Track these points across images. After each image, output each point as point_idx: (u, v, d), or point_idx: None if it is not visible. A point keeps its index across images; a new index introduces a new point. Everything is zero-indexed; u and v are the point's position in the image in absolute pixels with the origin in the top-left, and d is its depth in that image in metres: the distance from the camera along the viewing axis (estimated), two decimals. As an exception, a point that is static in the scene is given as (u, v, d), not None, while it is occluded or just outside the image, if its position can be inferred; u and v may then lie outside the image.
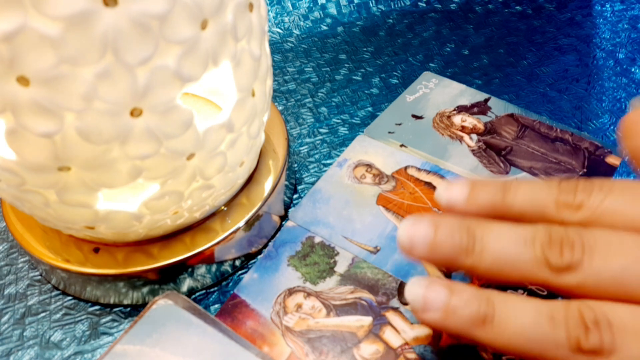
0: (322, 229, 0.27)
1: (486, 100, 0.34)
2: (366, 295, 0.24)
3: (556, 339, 0.17)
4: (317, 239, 0.27)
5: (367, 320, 0.23)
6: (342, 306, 0.24)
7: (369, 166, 0.30)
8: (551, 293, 0.21)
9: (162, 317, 0.21)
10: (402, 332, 0.23)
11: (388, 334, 0.23)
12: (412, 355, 0.22)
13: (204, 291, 0.26)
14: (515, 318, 0.18)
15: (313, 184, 0.30)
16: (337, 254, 0.26)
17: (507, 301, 0.18)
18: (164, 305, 0.21)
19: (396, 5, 0.42)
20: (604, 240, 0.18)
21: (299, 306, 0.24)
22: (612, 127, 0.32)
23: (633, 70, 0.36)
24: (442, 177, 0.29)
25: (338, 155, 0.32)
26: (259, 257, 0.27)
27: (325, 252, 0.26)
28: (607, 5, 0.42)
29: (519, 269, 0.19)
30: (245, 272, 0.26)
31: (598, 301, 0.18)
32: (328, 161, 0.31)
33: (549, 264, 0.18)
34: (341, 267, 0.25)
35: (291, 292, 0.25)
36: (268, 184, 0.27)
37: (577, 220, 0.19)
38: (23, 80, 0.15)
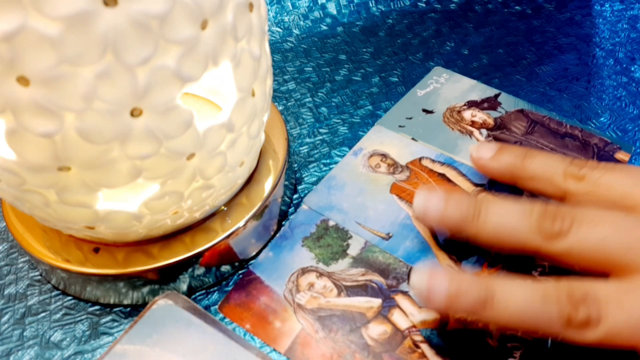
0: (336, 214, 0.28)
1: (496, 96, 0.34)
2: (377, 278, 0.25)
3: (549, 315, 0.19)
4: (331, 222, 0.27)
5: (376, 302, 0.24)
6: (353, 287, 0.24)
7: (384, 156, 0.30)
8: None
9: (162, 317, 0.21)
10: (410, 315, 0.23)
11: (396, 316, 0.23)
12: (418, 338, 0.23)
13: (204, 291, 0.26)
14: (513, 299, 0.20)
15: (313, 184, 0.30)
16: (350, 237, 0.27)
17: (505, 284, 0.20)
18: (164, 305, 0.21)
19: (396, 6, 0.42)
20: (591, 215, 0.21)
21: (311, 285, 0.25)
22: (612, 126, 0.32)
23: (633, 69, 0.36)
24: (455, 169, 0.29)
25: (338, 155, 0.32)
26: (274, 237, 0.27)
27: (339, 234, 0.27)
28: (607, 5, 0.42)
29: (515, 237, 0.21)
30: (245, 272, 0.26)
31: (581, 279, 0.20)
32: (328, 161, 0.31)
33: (542, 231, 0.21)
34: (354, 250, 0.26)
35: (304, 271, 0.25)
36: (268, 184, 0.27)
37: (578, 189, 0.22)
38: (23, 80, 0.15)
